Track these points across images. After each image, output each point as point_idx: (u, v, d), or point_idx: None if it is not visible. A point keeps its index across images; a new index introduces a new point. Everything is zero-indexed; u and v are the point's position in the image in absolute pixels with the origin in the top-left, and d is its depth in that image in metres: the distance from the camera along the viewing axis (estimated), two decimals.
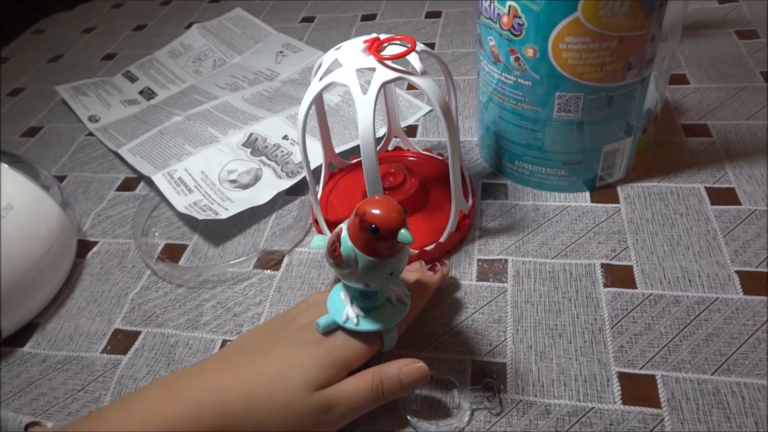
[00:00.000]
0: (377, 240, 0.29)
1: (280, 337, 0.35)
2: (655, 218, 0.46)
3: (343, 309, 0.35)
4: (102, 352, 0.43)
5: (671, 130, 0.54)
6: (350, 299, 0.35)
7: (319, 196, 0.51)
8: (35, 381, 0.42)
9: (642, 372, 0.37)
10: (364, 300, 0.35)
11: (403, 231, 0.29)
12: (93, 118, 0.67)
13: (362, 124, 0.38)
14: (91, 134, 0.66)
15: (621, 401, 0.35)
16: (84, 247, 0.52)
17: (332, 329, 0.35)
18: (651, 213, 0.47)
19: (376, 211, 0.29)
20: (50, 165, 0.63)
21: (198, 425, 0.30)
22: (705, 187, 0.48)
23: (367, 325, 0.34)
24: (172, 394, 0.32)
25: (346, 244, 0.31)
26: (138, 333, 0.44)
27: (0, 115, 0.73)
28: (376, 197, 0.30)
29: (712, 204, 0.47)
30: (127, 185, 0.58)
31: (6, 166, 0.45)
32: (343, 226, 0.32)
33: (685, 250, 0.44)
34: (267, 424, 0.31)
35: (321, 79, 0.40)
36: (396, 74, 0.38)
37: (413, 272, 0.41)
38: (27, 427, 0.30)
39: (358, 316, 0.34)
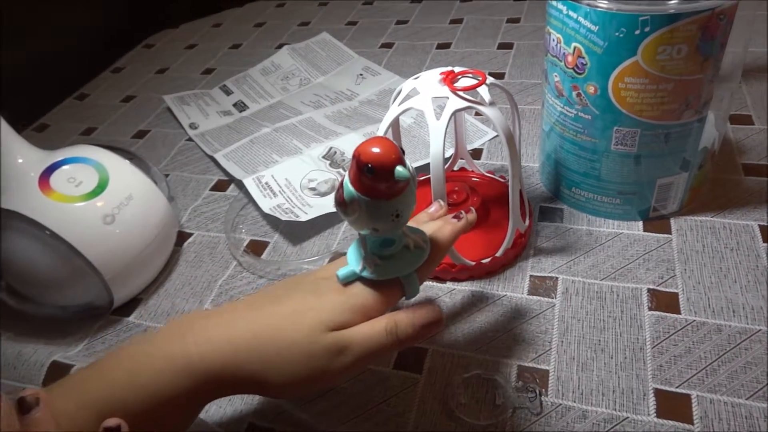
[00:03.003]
0: (374, 179, 0.29)
1: (299, 285, 0.35)
2: (706, 251, 0.49)
3: (360, 259, 0.35)
4: None
5: (730, 168, 0.56)
6: (368, 249, 0.35)
7: None
8: None
9: (678, 390, 0.39)
10: (380, 248, 0.35)
11: (399, 168, 0.28)
12: (193, 126, 0.76)
13: (434, 146, 0.43)
14: (190, 139, 0.74)
15: (655, 414, 0.38)
16: (181, 237, 0.59)
17: (352, 280, 0.35)
18: (702, 245, 0.49)
19: (371, 151, 0.29)
20: (155, 164, 0.71)
21: (205, 359, 0.32)
22: (758, 225, 0.50)
23: (384, 273, 0.34)
24: (184, 331, 0.33)
25: (348, 188, 0.30)
26: None
27: (114, 119, 0.83)
28: (373, 138, 0.30)
29: (764, 241, 0.48)
30: (220, 186, 0.66)
31: (128, 162, 0.53)
32: (346, 172, 0.31)
33: (732, 282, 0.46)
34: (276, 362, 0.32)
35: (400, 104, 0.46)
36: (466, 104, 0.43)
37: (434, 222, 0.39)
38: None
39: (375, 264, 0.34)
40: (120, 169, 0.52)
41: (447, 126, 0.43)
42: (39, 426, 0.29)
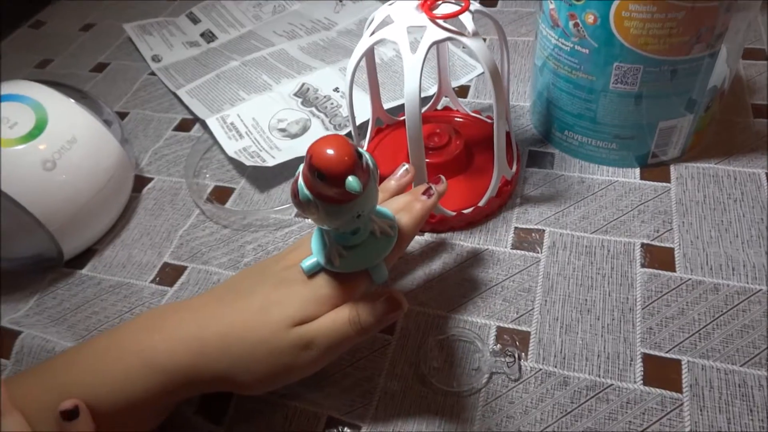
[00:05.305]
0: (326, 186, 0.27)
1: (265, 277, 0.34)
2: (707, 201, 0.45)
3: (325, 249, 0.33)
4: (151, 282, 0.46)
5: (739, 109, 0.51)
6: (332, 238, 0.33)
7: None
8: (90, 300, 0.45)
9: (668, 356, 0.36)
10: (345, 238, 0.32)
11: (350, 179, 0.26)
12: (156, 58, 0.69)
13: (408, 84, 0.38)
14: (153, 73, 0.68)
15: (642, 382, 0.35)
16: (140, 182, 0.55)
17: (317, 271, 0.33)
18: (703, 195, 0.45)
19: (322, 154, 0.26)
20: (114, 101, 0.65)
21: (173, 357, 0.31)
22: (766, 173, 0.46)
23: (349, 266, 0.32)
24: (155, 326, 0.33)
25: (303, 190, 0.28)
26: (184, 268, 0.47)
27: (72, 50, 0.76)
28: (328, 137, 0.27)
29: None
30: (184, 126, 0.60)
31: (73, 101, 0.48)
32: (300, 170, 0.29)
33: (733, 237, 0.42)
34: (244, 360, 0.31)
35: (372, 34, 0.40)
36: (446, 34, 0.38)
37: (402, 199, 0.37)
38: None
39: (340, 257, 0.32)
40: (62, 109, 0.46)
41: (424, 60, 0.37)
42: None
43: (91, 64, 0.72)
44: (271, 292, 0.33)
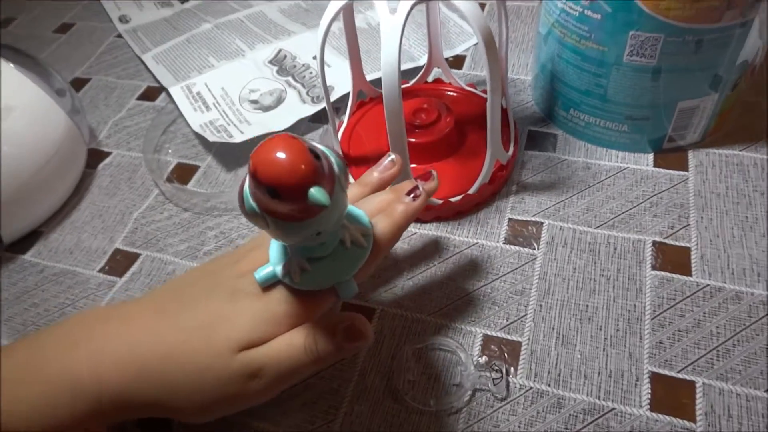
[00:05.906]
0: (280, 203, 0.22)
1: (216, 284, 0.29)
2: (729, 194, 0.39)
3: (285, 258, 0.27)
4: (99, 270, 0.41)
5: None
6: (293, 248, 0.27)
7: (344, 127, 0.46)
8: (30, 291, 0.41)
9: (680, 376, 0.31)
10: (308, 249, 0.27)
11: (313, 191, 0.21)
12: (123, 19, 0.63)
13: (386, 53, 0.32)
14: (121, 36, 0.62)
15: (648, 407, 0.30)
16: (96, 157, 0.49)
17: (273, 283, 0.28)
18: (725, 187, 0.39)
19: (271, 166, 0.21)
20: (77, 65, 0.60)
21: (99, 380, 0.26)
22: None
23: (311, 283, 0.27)
24: (80, 338, 0.28)
25: (249, 201, 0.23)
26: (137, 255, 0.42)
27: (35, 9, 0.70)
28: (274, 139, 0.21)
29: None
30: (149, 95, 0.55)
31: (12, 66, 0.42)
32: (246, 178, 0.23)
33: (759, 237, 0.37)
34: (185, 389, 0.27)
35: None
36: None
37: (382, 198, 0.31)
38: None
39: (302, 271, 0.27)
40: None
41: (405, 23, 0.32)
42: None
43: (55, 25, 0.66)
44: (219, 305, 0.27)
